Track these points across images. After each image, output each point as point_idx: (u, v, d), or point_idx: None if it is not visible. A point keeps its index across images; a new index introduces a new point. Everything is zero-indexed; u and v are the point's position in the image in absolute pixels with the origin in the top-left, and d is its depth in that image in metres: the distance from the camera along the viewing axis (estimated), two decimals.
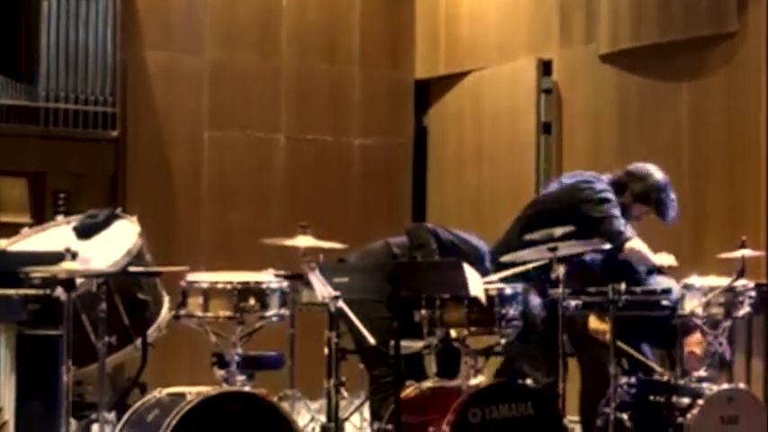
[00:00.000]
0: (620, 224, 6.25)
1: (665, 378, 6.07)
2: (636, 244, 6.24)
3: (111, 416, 5.52)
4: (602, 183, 6.38)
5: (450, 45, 10.12)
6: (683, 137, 8.06)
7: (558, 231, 5.86)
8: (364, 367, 6.18)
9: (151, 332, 6.16)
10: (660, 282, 6.14)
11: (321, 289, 5.20)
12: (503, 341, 5.65)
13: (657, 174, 6.45)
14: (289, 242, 5.74)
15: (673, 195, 6.44)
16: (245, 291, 5.42)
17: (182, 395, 5.28)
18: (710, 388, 5.81)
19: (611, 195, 6.34)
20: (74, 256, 5.24)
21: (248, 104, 9.81)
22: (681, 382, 5.95)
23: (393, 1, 10.35)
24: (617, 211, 6.29)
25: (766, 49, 7.64)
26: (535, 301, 5.87)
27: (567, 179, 6.58)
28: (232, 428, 5.27)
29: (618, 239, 6.18)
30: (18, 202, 8.77)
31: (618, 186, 6.43)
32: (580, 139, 8.80)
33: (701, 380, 5.91)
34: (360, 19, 10.21)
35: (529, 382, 5.68)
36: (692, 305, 5.85)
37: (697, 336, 6.06)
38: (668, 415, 5.84)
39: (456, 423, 5.29)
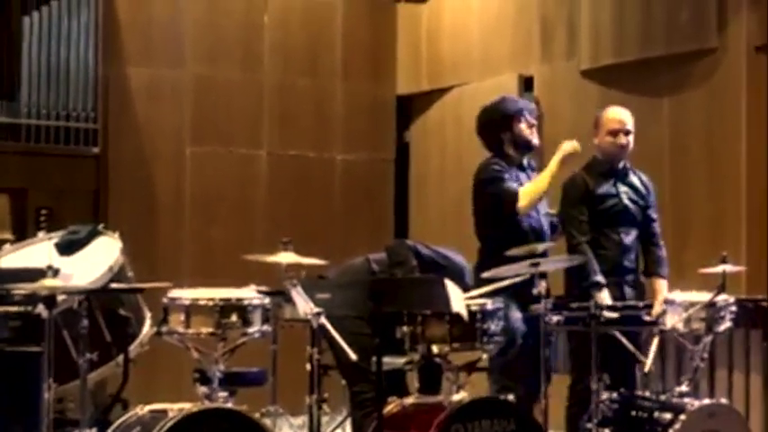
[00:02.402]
0: (504, 191, 6.33)
1: (647, 393, 6.08)
2: (524, 196, 6.29)
3: None
4: (486, 163, 6.51)
5: (432, 61, 10.14)
6: (664, 152, 8.09)
7: (540, 247, 5.88)
8: (346, 383, 6.17)
9: (133, 348, 6.14)
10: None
11: (303, 305, 5.20)
12: (484, 356, 5.66)
13: (488, 104, 6.67)
14: (271, 258, 5.74)
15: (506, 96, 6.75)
16: (227, 307, 5.41)
17: (163, 412, 5.27)
18: (692, 403, 5.81)
19: (493, 169, 6.43)
20: (55, 272, 5.23)
21: (230, 120, 9.82)
22: (662, 397, 5.96)
23: (375, 17, 10.38)
24: (500, 184, 6.36)
25: (746, 65, 7.69)
26: (516, 315, 5.88)
27: None
28: None
29: (511, 204, 6.29)
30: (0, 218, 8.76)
31: (495, 143, 6.55)
32: None
33: (682, 395, 5.91)
34: (342, 35, 10.23)
35: (511, 397, 5.68)
36: (673, 320, 5.86)
37: None
38: (650, 430, 5.84)
39: None
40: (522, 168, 6.52)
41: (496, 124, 6.54)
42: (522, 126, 6.50)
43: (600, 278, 6.12)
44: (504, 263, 5.83)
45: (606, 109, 6.50)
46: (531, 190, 6.34)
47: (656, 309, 5.96)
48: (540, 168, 6.60)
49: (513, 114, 6.51)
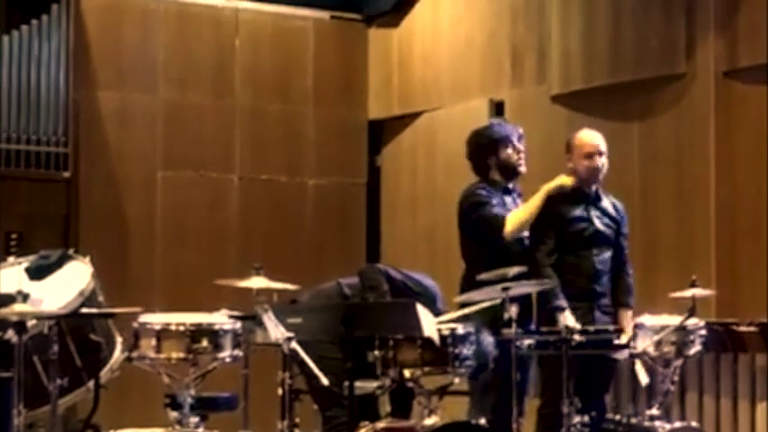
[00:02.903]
0: (492, 217, 6.38)
1: (618, 417, 6.10)
2: (511, 221, 6.34)
3: None
4: (471, 189, 6.56)
5: (404, 86, 10.18)
6: (634, 176, 8.13)
7: (512, 271, 5.89)
8: (318, 408, 6.16)
9: (104, 374, 6.11)
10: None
11: (274, 330, 5.20)
12: (456, 380, 5.67)
13: (477, 129, 6.71)
14: (242, 283, 5.74)
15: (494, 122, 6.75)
16: (198, 332, 5.41)
17: None
18: (663, 426, 5.83)
19: (479, 195, 6.47)
20: (25, 297, 5.22)
21: (202, 144, 9.81)
22: (634, 420, 5.98)
23: (346, 42, 10.41)
24: (486, 209, 6.40)
25: (714, 90, 7.75)
26: (487, 339, 5.88)
27: None
28: None
29: (498, 230, 6.32)
30: None
31: (482, 167, 6.58)
32: (532, 179, 8.84)
33: (653, 418, 5.93)
34: (313, 59, 10.25)
35: (482, 421, 5.69)
36: (644, 344, 5.89)
37: None
38: None
39: None
40: (507, 192, 6.55)
41: (484, 149, 6.58)
42: (509, 152, 6.54)
43: (562, 302, 6.13)
44: (478, 287, 5.84)
45: (578, 132, 6.52)
46: (519, 216, 6.37)
47: (623, 340, 5.99)
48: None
49: (500, 140, 6.54)
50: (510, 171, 6.55)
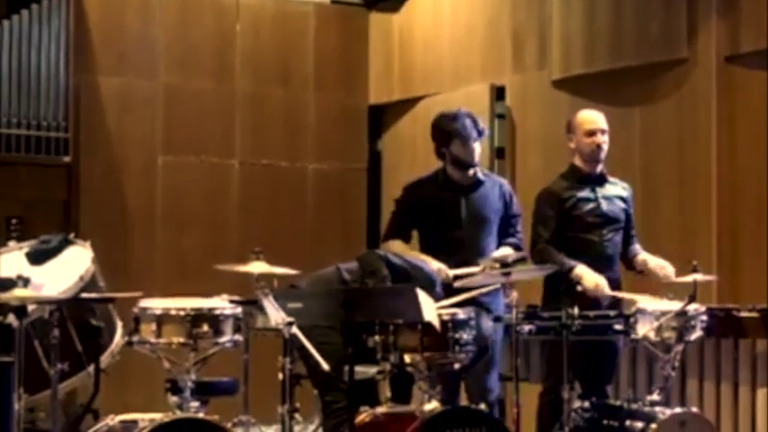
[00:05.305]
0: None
1: (619, 402, 6.11)
2: (386, 245, 6.47)
3: None
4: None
5: (404, 70, 10.16)
6: (635, 161, 8.13)
7: (512, 256, 5.89)
8: (317, 393, 6.17)
9: (104, 358, 6.11)
10: None
11: (275, 315, 5.20)
12: (456, 366, 5.67)
13: (434, 116, 6.54)
14: (242, 268, 5.74)
15: (447, 112, 6.44)
16: (199, 317, 5.40)
17: (134, 422, 5.26)
18: (663, 412, 5.84)
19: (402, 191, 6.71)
20: (26, 282, 5.21)
21: (202, 129, 9.80)
22: (634, 406, 5.98)
23: (347, 27, 10.39)
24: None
25: (716, 75, 7.74)
26: (487, 323, 5.89)
27: None
28: None
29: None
30: None
31: (440, 156, 6.49)
32: (533, 164, 8.86)
33: (653, 404, 5.94)
34: (314, 44, 10.24)
35: (482, 406, 5.69)
36: (645, 329, 5.89)
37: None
38: None
39: None
40: (462, 190, 6.45)
41: (437, 140, 6.48)
42: (457, 144, 6.38)
43: (570, 261, 6.14)
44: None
45: (578, 112, 6.54)
46: (393, 249, 6.36)
47: (658, 263, 6.20)
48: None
49: (448, 132, 6.39)
50: (459, 164, 6.41)
